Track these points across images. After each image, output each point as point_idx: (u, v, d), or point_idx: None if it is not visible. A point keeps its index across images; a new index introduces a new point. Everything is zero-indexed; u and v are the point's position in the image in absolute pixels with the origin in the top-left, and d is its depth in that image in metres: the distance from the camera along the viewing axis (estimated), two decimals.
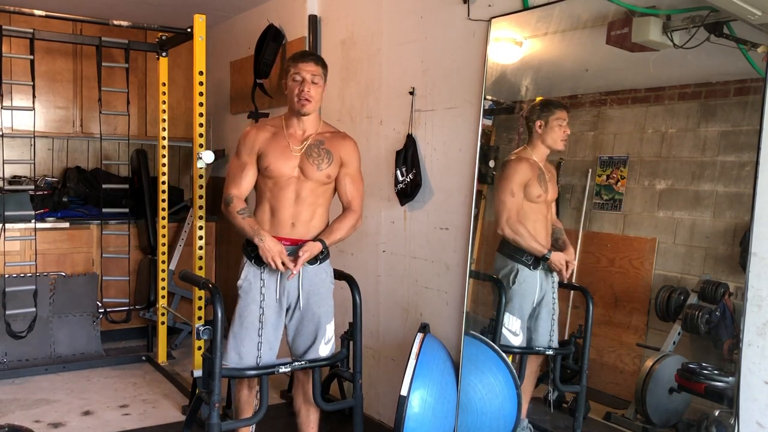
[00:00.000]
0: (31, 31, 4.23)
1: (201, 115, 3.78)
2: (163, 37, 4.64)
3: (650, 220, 2.61)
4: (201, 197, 3.81)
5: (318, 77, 2.72)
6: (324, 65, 2.77)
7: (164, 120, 4.73)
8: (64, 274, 4.83)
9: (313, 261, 2.73)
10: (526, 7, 2.82)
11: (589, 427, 2.72)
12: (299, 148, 2.75)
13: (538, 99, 2.69)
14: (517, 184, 2.63)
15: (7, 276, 4.47)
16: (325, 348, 2.81)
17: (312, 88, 2.70)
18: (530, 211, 2.66)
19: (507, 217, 2.70)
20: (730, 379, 2.23)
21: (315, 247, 2.67)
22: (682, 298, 2.47)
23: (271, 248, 2.61)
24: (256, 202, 2.85)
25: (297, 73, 2.71)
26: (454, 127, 3.19)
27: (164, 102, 4.72)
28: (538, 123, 2.56)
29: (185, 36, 4.26)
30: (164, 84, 4.72)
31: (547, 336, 2.70)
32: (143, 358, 4.86)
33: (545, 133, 2.55)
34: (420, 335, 2.89)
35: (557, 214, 2.91)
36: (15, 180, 5.09)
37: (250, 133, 2.83)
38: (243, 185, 2.80)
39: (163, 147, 4.74)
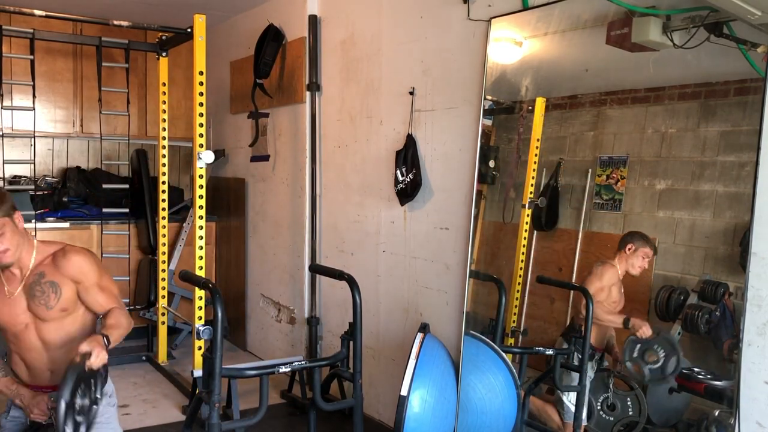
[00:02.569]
0: (31, 31, 4.24)
1: (201, 115, 3.78)
2: (163, 37, 4.65)
3: (650, 220, 2.61)
4: (201, 197, 3.82)
5: (2, 227, 2.22)
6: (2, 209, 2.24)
7: (164, 120, 4.73)
8: None
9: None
10: (526, 7, 2.82)
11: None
12: (18, 290, 2.32)
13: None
14: (606, 285, 2.76)
15: None
16: None
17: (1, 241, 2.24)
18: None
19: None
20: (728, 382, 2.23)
21: (99, 343, 2.14)
22: (682, 298, 2.47)
23: (33, 408, 2.33)
24: (8, 351, 2.46)
25: None
26: (454, 127, 3.19)
27: (164, 102, 4.72)
28: (630, 246, 2.66)
29: (185, 36, 4.26)
30: (164, 84, 4.73)
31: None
32: (143, 358, 4.86)
33: (630, 256, 2.66)
34: (420, 335, 2.89)
35: (558, 218, 2.95)
36: (15, 180, 5.09)
37: None
38: None
39: (163, 147, 4.75)
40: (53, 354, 2.35)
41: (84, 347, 2.08)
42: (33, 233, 4.49)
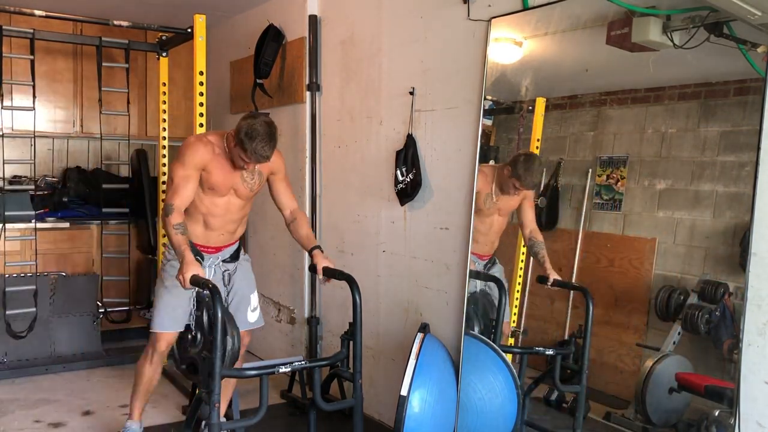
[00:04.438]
0: (31, 31, 4.24)
1: (201, 115, 3.78)
2: (163, 37, 4.64)
3: (650, 220, 2.61)
4: None
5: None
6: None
7: (164, 120, 4.73)
8: (64, 273, 4.82)
9: (235, 258, 3.16)
10: (526, 8, 2.82)
11: (589, 427, 2.73)
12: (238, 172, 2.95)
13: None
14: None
15: (7, 276, 4.46)
16: (252, 315, 3.21)
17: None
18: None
19: None
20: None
21: (325, 257, 3.06)
22: (682, 298, 2.47)
23: (186, 275, 2.60)
24: (189, 212, 2.94)
25: (248, 162, 2.84)
26: (454, 127, 3.19)
27: (164, 102, 4.72)
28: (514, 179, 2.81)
29: (185, 36, 4.26)
30: (164, 84, 4.72)
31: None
32: None
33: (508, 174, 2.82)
34: (420, 335, 2.89)
35: (558, 218, 2.94)
36: (15, 180, 5.09)
37: (198, 146, 2.88)
38: (185, 196, 2.85)
39: (163, 147, 4.74)
40: (227, 221, 3.02)
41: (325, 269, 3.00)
42: (33, 233, 4.53)
